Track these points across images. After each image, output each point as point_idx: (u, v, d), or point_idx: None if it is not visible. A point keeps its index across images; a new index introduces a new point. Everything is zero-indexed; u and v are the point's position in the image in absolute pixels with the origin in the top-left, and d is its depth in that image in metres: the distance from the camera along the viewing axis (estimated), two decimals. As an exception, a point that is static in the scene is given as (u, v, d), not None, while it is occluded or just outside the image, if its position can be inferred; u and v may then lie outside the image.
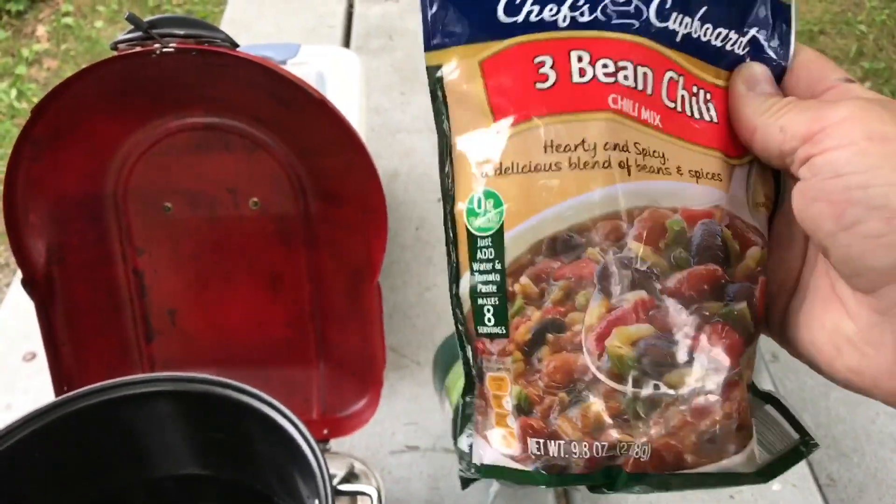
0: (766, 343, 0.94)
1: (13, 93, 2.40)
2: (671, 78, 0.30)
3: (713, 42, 0.31)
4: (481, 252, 0.31)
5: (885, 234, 0.26)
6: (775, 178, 0.33)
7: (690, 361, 0.29)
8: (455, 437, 0.33)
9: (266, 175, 0.65)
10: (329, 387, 0.69)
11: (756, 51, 0.32)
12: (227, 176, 0.65)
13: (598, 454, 0.29)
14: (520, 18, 0.30)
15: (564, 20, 0.30)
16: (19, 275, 0.63)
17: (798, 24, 0.32)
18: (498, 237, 0.30)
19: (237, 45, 0.59)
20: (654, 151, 0.29)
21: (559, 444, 0.30)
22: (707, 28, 0.31)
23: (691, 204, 0.30)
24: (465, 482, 0.33)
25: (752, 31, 0.31)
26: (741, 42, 0.31)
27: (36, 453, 0.50)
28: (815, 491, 0.78)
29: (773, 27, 0.31)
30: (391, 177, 1.07)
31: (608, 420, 0.29)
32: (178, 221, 0.66)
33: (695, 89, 0.31)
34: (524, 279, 0.30)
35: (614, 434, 0.29)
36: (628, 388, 0.29)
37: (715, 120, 0.31)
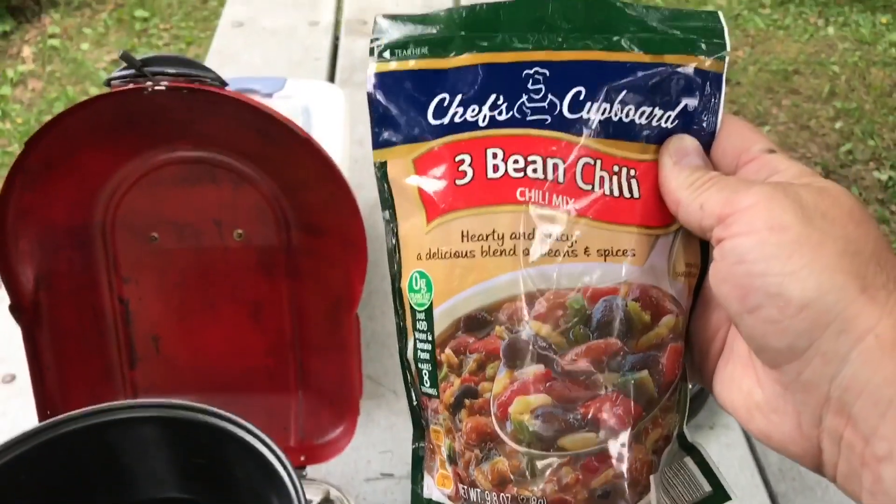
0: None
1: (-3, 113, 2.41)
2: (586, 163, 0.33)
3: (637, 120, 0.33)
4: (418, 324, 0.35)
5: (781, 320, 0.28)
6: (702, 244, 0.35)
7: (583, 427, 0.32)
8: (412, 475, 0.38)
9: (251, 208, 0.67)
10: (307, 415, 0.71)
11: (685, 121, 0.34)
12: (213, 208, 0.67)
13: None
14: (446, 120, 0.34)
15: (484, 120, 0.33)
16: (1, 299, 0.64)
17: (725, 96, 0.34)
18: (429, 312, 0.34)
19: (226, 84, 0.61)
20: (562, 235, 0.32)
21: (476, 492, 0.34)
22: (629, 109, 0.33)
23: (595, 282, 0.32)
24: None
25: (683, 102, 0.33)
26: (669, 116, 0.33)
27: (21, 477, 0.52)
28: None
29: (704, 97, 0.34)
30: (373, 206, 1.08)
31: (510, 476, 0.33)
32: (164, 251, 0.68)
33: (615, 168, 0.33)
34: (448, 350, 0.34)
35: (515, 489, 0.33)
36: (526, 450, 0.33)
37: (637, 195, 0.33)
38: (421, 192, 0.34)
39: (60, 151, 0.62)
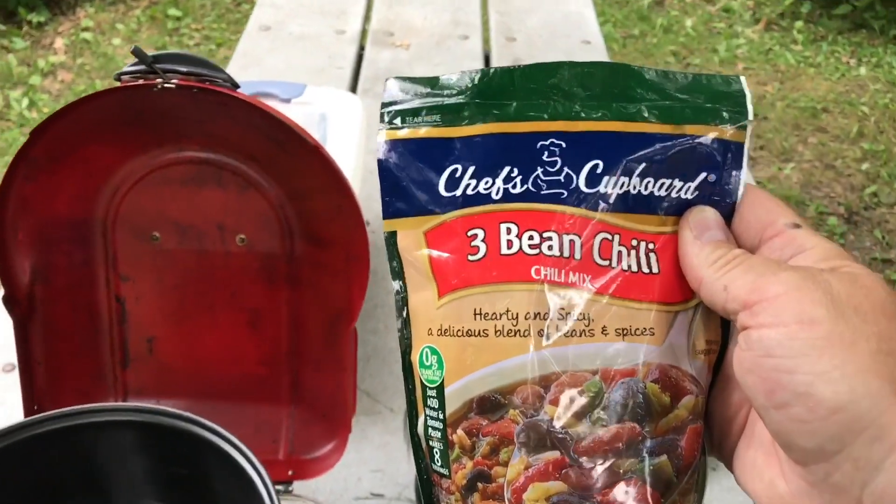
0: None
1: (25, 102, 2.43)
2: (603, 238, 0.32)
3: (656, 193, 0.32)
4: (429, 400, 0.34)
5: (810, 421, 0.27)
6: (723, 319, 0.33)
7: None
8: None
9: (255, 213, 0.66)
10: (298, 428, 0.69)
11: (706, 193, 0.32)
12: (216, 211, 0.65)
13: None
14: (458, 193, 0.32)
15: (497, 193, 0.32)
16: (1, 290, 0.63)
17: (748, 168, 0.33)
18: (441, 390, 0.33)
19: (238, 86, 0.60)
20: (579, 315, 0.31)
21: None
22: (648, 182, 0.32)
23: (613, 363, 0.31)
24: None
25: (704, 173, 0.32)
26: (689, 187, 0.32)
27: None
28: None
29: (725, 167, 0.32)
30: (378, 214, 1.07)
31: None
32: (164, 252, 0.67)
33: (634, 242, 0.32)
34: (460, 431, 0.33)
35: None
36: None
37: (655, 270, 0.32)
38: (433, 265, 0.33)
39: (66, 144, 0.61)
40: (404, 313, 0.35)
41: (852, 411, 0.26)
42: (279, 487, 0.66)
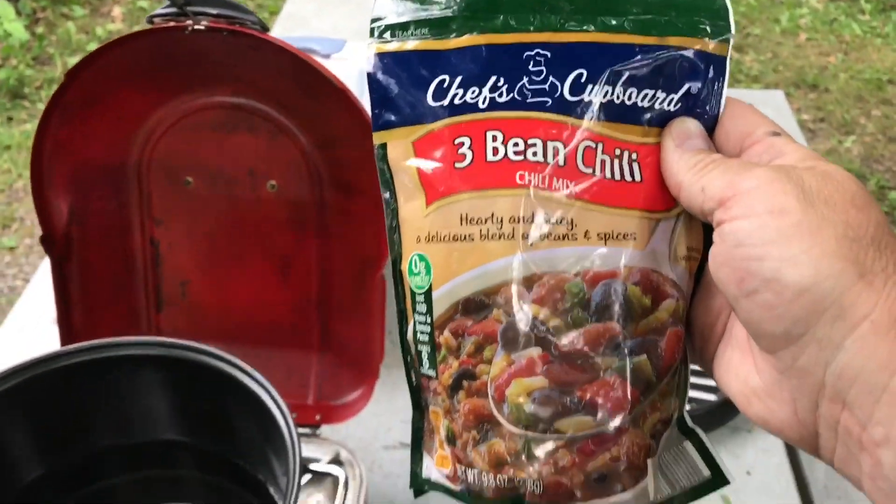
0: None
1: (82, 68, 2.48)
2: (587, 146, 0.33)
3: (639, 103, 0.33)
4: (418, 306, 0.35)
5: (777, 305, 0.28)
6: (705, 229, 0.34)
7: (580, 410, 0.32)
8: (411, 455, 0.38)
9: (285, 160, 0.66)
10: (326, 374, 0.70)
11: (689, 105, 0.33)
12: (247, 157, 0.66)
13: (501, 485, 0.34)
14: (445, 102, 0.33)
15: (484, 102, 0.33)
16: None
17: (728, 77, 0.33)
18: (428, 295, 0.34)
19: (267, 29, 0.60)
20: (562, 219, 0.32)
21: (474, 473, 0.34)
22: (631, 92, 0.33)
23: (595, 266, 0.32)
24: (417, 493, 0.38)
25: (687, 85, 0.33)
26: (672, 99, 0.33)
27: (21, 406, 0.52)
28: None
29: (707, 80, 0.33)
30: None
31: (507, 458, 0.33)
32: (197, 196, 0.67)
33: (617, 151, 0.33)
34: (446, 333, 0.34)
35: (512, 470, 0.33)
36: (523, 432, 0.33)
37: (638, 179, 0.33)
38: (420, 174, 0.34)
39: (99, 88, 0.62)
40: (394, 224, 0.35)
41: (816, 293, 0.27)
42: (306, 431, 0.66)
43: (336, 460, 0.64)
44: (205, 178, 0.67)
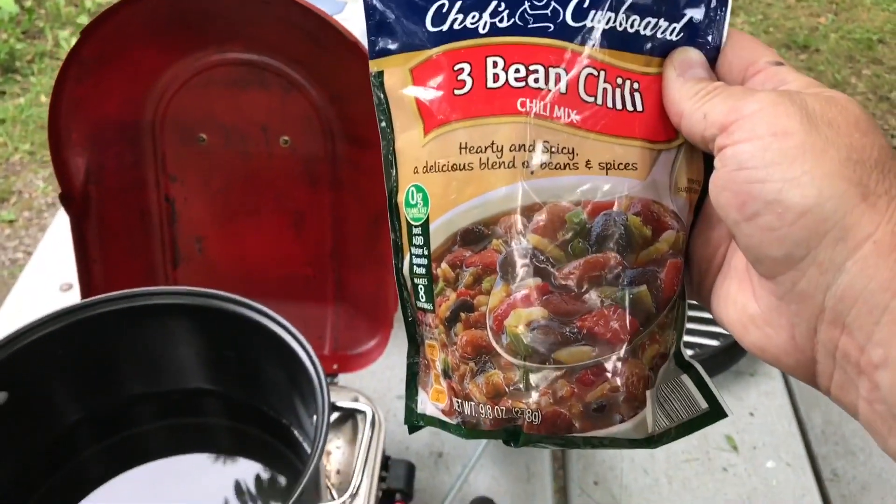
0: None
1: (73, 41, 2.46)
2: (589, 74, 0.32)
3: (642, 32, 0.32)
4: (414, 238, 0.34)
5: (778, 228, 0.28)
6: (706, 161, 0.34)
7: (580, 341, 0.32)
8: (406, 390, 0.38)
9: (298, 115, 0.67)
10: (342, 325, 0.72)
11: (691, 34, 0.33)
12: (260, 113, 0.67)
13: (499, 416, 0.33)
14: (445, 27, 0.32)
15: (485, 27, 0.32)
16: (62, 211, 0.66)
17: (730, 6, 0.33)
18: (426, 227, 0.34)
19: (278, -15, 0.61)
20: (563, 148, 0.32)
21: (470, 405, 0.34)
22: (634, 20, 0.32)
23: (596, 196, 0.32)
24: (412, 428, 0.38)
25: (688, 14, 0.32)
26: (674, 28, 0.32)
27: (58, 351, 0.54)
28: (808, 471, 0.79)
29: (710, 11, 0.33)
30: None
31: (505, 388, 0.33)
32: (211, 153, 0.69)
33: (619, 80, 0.32)
34: (444, 265, 0.33)
35: (510, 401, 0.33)
36: (522, 363, 0.32)
37: (640, 109, 0.32)
38: (418, 102, 0.33)
39: (114, 45, 0.62)
40: (391, 155, 0.35)
41: (818, 213, 0.27)
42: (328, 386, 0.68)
43: (359, 412, 0.66)
44: (218, 134, 0.68)
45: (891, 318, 0.26)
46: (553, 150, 0.32)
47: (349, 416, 0.66)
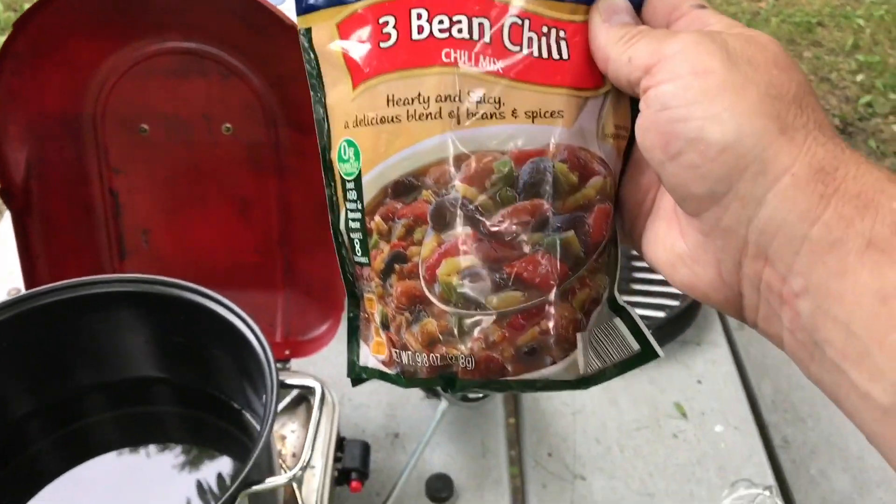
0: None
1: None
2: (513, 23, 0.32)
3: None
4: (348, 193, 0.35)
5: (701, 165, 0.28)
6: (633, 108, 0.34)
7: (510, 286, 0.33)
8: (348, 345, 0.39)
9: (239, 102, 0.67)
10: (293, 311, 0.72)
11: None
12: (201, 101, 0.67)
13: (434, 363, 0.34)
14: None
15: None
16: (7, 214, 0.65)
17: None
18: (358, 181, 0.34)
19: (213, -29, 0.61)
20: (490, 98, 0.32)
21: (408, 354, 0.35)
22: None
23: (523, 144, 0.32)
24: (355, 382, 0.39)
25: None
26: None
27: (2, 343, 0.53)
28: (755, 434, 0.81)
29: None
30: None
31: (439, 336, 0.34)
32: (154, 144, 0.68)
33: (545, 29, 0.32)
34: (377, 218, 0.34)
35: (444, 348, 0.34)
36: (454, 310, 0.33)
37: (566, 57, 0.33)
38: (346, 56, 0.34)
39: (48, 37, 0.62)
40: (322, 112, 0.35)
41: (738, 149, 0.28)
42: (277, 366, 0.68)
43: (306, 387, 0.66)
44: (160, 125, 0.68)
45: (809, 248, 0.27)
46: (479, 100, 0.32)
47: (302, 399, 0.67)
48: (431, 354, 0.34)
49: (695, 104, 0.28)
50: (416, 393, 0.80)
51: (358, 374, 0.38)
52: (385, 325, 0.35)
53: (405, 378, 0.35)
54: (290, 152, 0.69)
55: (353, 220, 0.35)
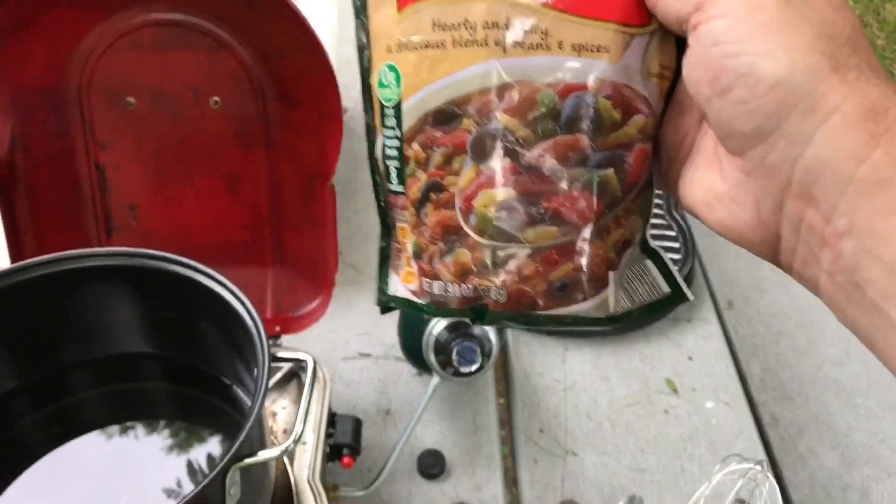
0: (721, 291, 0.95)
1: None
2: None
3: None
4: (387, 120, 0.34)
5: (750, 100, 0.28)
6: (679, 48, 0.34)
7: (546, 221, 0.33)
8: (378, 273, 0.38)
9: (227, 75, 0.66)
10: (283, 288, 0.71)
11: None
12: (188, 74, 0.66)
13: (466, 294, 0.34)
14: None
15: None
16: None
17: None
18: (398, 108, 0.34)
19: (201, -60, 0.60)
20: (536, 28, 0.31)
21: (439, 284, 0.35)
22: None
23: (568, 77, 0.32)
24: (384, 309, 0.39)
25: None
26: None
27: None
28: (746, 409, 0.81)
29: None
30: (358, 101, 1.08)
31: (472, 268, 0.34)
32: (140, 117, 0.67)
33: None
34: (415, 145, 0.34)
35: (476, 280, 0.34)
36: (489, 242, 0.33)
37: None
38: None
39: (30, 8, 0.61)
40: (364, 37, 0.34)
41: (789, 85, 0.27)
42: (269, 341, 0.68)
43: (297, 361, 0.66)
44: (147, 98, 0.67)
45: (856, 188, 0.27)
46: (526, 29, 0.31)
47: (293, 376, 0.66)
48: (463, 285, 0.34)
49: (747, 39, 0.28)
50: (408, 370, 0.79)
51: (386, 303, 0.38)
52: (417, 255, 0.35)
53: (435, 308, 0.35)
54: (278, 127, 0.68)
55: (391, 147, 0.34)
